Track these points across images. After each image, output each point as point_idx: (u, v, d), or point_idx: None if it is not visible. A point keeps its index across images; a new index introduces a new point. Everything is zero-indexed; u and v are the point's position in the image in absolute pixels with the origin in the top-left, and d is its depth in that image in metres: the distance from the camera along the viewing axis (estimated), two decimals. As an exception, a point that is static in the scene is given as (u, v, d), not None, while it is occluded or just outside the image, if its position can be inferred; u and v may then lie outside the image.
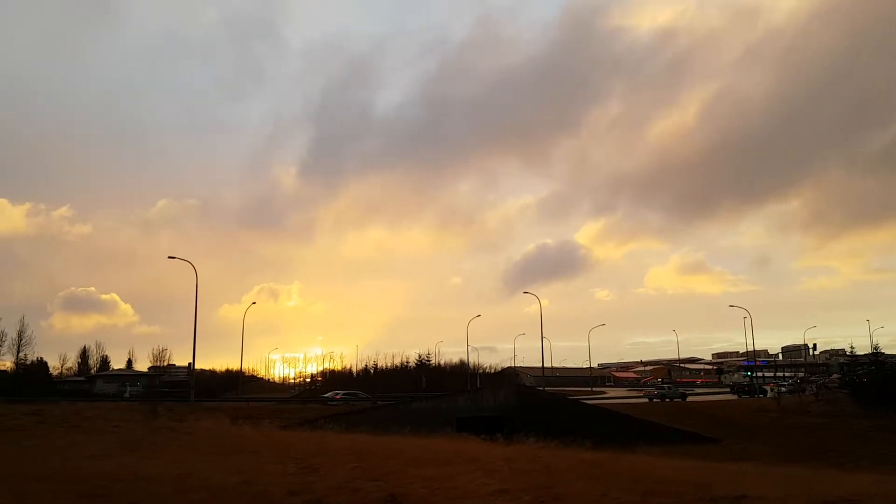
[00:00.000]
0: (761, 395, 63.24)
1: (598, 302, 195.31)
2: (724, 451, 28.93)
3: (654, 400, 64.18)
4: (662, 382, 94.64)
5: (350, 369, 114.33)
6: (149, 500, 8.21)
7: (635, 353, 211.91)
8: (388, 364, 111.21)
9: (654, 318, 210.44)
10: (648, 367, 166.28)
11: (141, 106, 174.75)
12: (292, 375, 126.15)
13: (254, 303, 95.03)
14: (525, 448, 14.69)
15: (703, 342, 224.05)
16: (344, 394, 60.34)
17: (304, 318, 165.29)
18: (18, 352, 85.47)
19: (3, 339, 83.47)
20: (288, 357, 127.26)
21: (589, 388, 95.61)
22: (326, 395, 60.76)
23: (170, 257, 58.32)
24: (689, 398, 64.03)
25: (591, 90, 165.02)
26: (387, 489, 8.61)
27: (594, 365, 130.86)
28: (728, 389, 77.19)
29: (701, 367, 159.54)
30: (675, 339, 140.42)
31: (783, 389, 63.21)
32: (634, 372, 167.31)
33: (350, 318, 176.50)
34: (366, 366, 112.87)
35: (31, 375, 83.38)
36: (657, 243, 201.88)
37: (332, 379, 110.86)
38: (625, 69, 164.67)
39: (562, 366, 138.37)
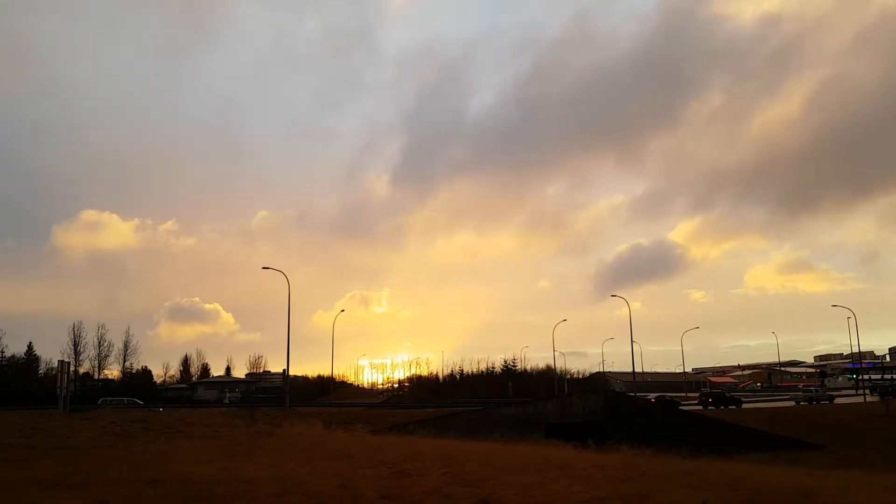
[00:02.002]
0: None
1: (693, 304, 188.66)
2: (829, 458, 27.30)
3: (803, 403, 61.26)
4: (817, 382, 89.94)
5: (436, 375, 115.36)
6: (251, 503, 8.49)
7: (732, 357, 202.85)
8: (474, 370, 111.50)
9: (754, 319, 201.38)
10: (746, 372, 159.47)
11: (245, 121, 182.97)
12: (380, 381, 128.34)
13: (342, 310, 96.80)
14: (618, 455, 14.36)
15: (804, 344, 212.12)
16: None
17: (393, 324, 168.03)
18: (124, 361, 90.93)
19: (111, 349, 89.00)
20: (376, 363, 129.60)
21: (684, 394, 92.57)
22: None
23: (264, 268, 59.66)
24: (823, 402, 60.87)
25: (689, 83, 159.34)
26: (479, 495, 8.61)
27: (688, 369, 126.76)
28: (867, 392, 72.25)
29: (802, 370, 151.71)
30: (775, 341, 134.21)
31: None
32: (731, 376, 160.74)
33: (437, 323, 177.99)
34: (452, 371, 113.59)
35: (137, 383, 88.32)
36: (758, 241, 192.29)
37: (418, 385, 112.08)
38: (726, 59, 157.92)
39: (653, 370, 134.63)
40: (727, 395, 65.68)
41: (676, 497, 8.75)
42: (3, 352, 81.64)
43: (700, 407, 58.85)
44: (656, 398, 66.30)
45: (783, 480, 10.75)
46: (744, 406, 58.81)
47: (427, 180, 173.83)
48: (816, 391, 68.19)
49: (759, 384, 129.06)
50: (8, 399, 58.64)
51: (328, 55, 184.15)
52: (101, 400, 54.82)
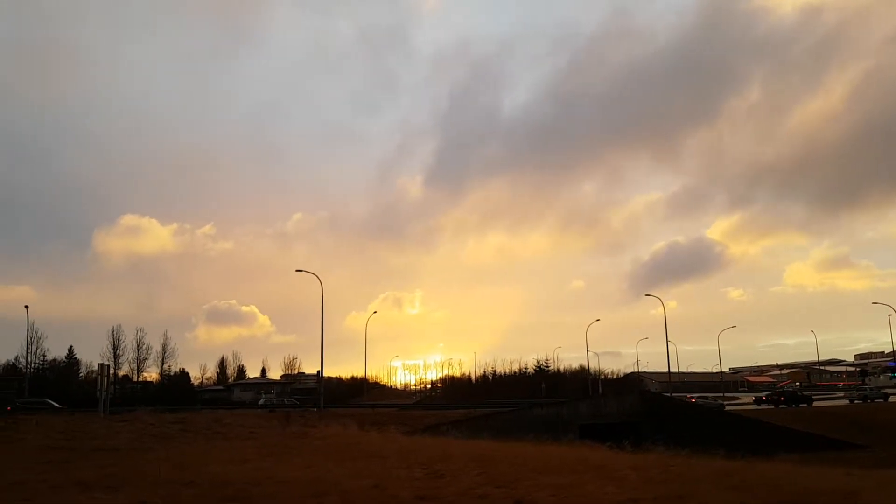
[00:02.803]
0: None
1: (730, 302, 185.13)
2: (872, 458, 26.63)
3: (856, 401, 60.20)
4: (858, 381, 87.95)
5: (469, 376, 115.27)
6: (287, 503, 8.56)
7: (770, 356, 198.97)
8: (507, 370, 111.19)
9: (792, 318, 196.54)
10: (785, 371, 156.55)
11: (281, 123, 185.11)
12: (413, 382, 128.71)
13: (375, 312, 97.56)
14: (654, 456, 14.18)
15: (844, 343, 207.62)
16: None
17: (426, 325, 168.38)
18: (163, 363, 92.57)
19: (149, 352, 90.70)
20: (408, 364, 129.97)
21: (721, 394, 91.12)
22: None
23: (297, 271, 60.24)
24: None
25: (729, 77, 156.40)
26: (513, 496, 8.57)
27: (725, 369, 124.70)
28: None
29: (842, 369, 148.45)
30: (814, 340, 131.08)
31: None
32: (769, 376, 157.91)
33: (469, 324, 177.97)
34: (484, 372, 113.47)
35: (175, 385, 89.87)
36: (797, 237, 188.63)
37: (451, 385, 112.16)
38: (766, 52, 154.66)
39: (689, 370, 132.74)
40: (799, 393, 64.93)
41: (714, 499, 8.62)
42: (44, 355, 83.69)
43: (756, 406, 58.72)
44: (697, 398, 65.29)
45: (823, 481, 10.51)
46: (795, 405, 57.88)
47: (460, 180, 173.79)
48: (871, 390, 66.75)
49: (797, 383, 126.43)
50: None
51: (363, 56, 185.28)
52: (16, 402, 50.50)
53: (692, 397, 66.08)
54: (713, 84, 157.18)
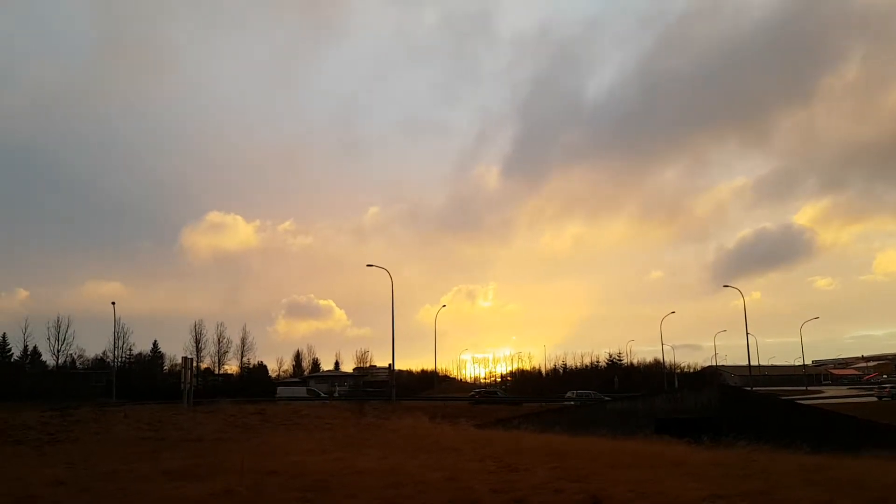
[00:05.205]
0: None
1: (815, 292, 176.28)
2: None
3: (885, 399, 57.44)
4: None
5: (539, 369, 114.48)
6: (364, 494, 8.73)
7: (856, 349, 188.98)
8: (578, 364, 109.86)
9: (882, 307, 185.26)
10: (871, 363, 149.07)
11: (362, 117, 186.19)
12: (483, 375, 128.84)
13: (444, 306, 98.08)
14: (735, 452, 13.80)
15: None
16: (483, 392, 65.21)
17: (498, 318, 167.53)
18: (242, 356, 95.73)
19: (229, 345, 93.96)
20: (478, 357, 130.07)
21: (804, 388, 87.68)
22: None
23: (368, 265, 60.97)
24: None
25: (825, 54, 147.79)
26: (590, 491, 8.47)
27: (808, 362, 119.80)
28: None
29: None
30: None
31: None
32: (855, 369, 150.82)
33: (541, 317, 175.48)
34: (555, 365, 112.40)
35: (254, 378, 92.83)
36: (890, 223, 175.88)
37: (521, 379, 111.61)
38: (868, 26, 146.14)
39: (770, 364, 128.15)
40: None
41: (799, 495, 8.32)
42: (130, 350, 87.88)
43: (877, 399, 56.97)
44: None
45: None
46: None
47: (538, 169, 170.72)
48: None
49: (884, 376, 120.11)
50: (137, 394, 63.24)
51: (446, 45, 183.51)
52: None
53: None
54: (808, 61, 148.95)
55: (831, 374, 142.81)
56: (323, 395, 65.35)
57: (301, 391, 65.34)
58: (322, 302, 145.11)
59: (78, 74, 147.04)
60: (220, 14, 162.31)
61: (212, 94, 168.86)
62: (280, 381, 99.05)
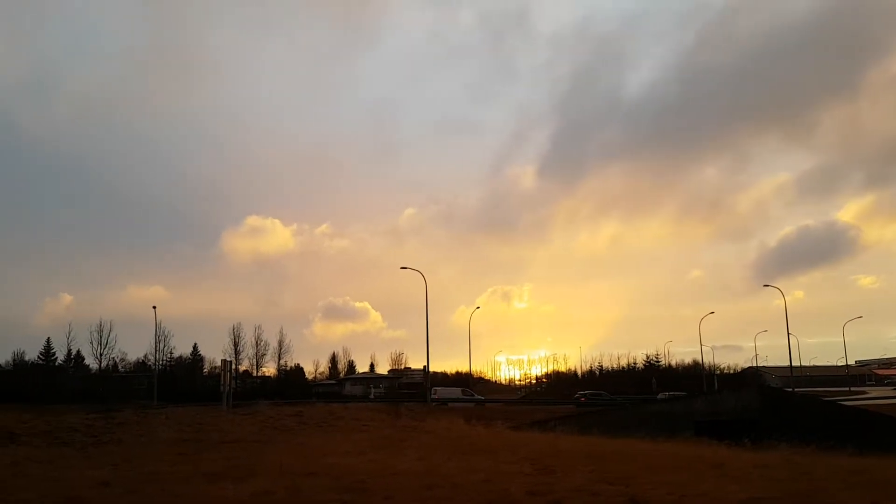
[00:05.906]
0: None
1: (859, 290, 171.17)
2: None
3: None
4: None
5: (574, 371, 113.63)
6: (402, 495, 8.78)
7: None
8: (614, 365, 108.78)
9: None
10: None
11: (397, 119, 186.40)
12: (517, 377, 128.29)
13: (478, 307, 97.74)
14: (777, 454, 13.53)
15: None
16: (589, 394, 64.23)
17: (533, 319, 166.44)
18: (279, 359, 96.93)
19: (267, 348, 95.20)
20: (513, 359, 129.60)
21: (847, 388, 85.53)
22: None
23: (402, 268, 61.07)
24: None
25: (872, 46, 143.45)
26: (628, 493, 8.40)
27: (851, 362, 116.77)
28: None
29: None
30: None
31: None
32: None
33: (577, 318, 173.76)
34: (591, 367, 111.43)
35: (290, 380, 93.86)
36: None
37: (556, 380, 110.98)
38: None
39: (812, 364, 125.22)
40: None
41: (843, 498, 8.18)
42: (171, 353, 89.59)
43: None
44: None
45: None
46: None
47: (575, 168, 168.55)
48: None
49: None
50: (178, 396, 64.44)
51: (482, 44, 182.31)
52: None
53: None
54: (854, 54, 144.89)
55: (875, 374, 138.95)
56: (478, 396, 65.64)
57: (456, 392, 66.03)
58: (358, 304, 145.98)
59: (121, 81, 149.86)
60: (258, 20, 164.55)
61: (250, 99, 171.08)
62: (316, 382, 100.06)
